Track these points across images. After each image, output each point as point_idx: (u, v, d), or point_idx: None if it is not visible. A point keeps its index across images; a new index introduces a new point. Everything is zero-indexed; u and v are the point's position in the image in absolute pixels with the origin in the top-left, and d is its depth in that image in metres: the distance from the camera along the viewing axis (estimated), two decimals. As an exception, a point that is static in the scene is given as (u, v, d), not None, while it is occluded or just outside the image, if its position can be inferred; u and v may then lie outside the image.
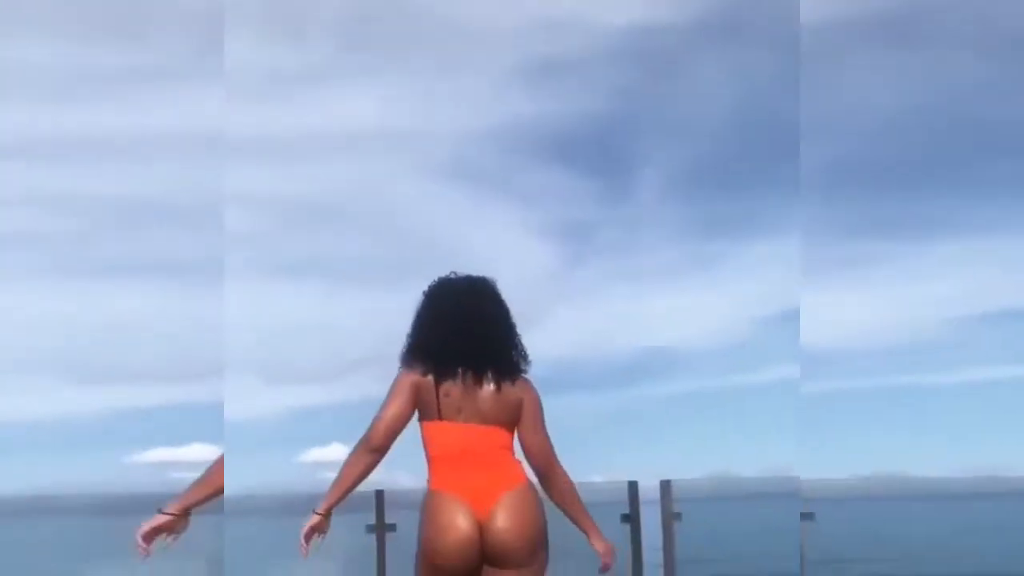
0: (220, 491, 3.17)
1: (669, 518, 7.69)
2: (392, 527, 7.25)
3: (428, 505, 3.18)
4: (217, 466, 3.16)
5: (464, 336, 3.26)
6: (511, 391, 3.25)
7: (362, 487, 3.52)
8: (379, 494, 7.15)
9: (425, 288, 3.41)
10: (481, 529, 3.11)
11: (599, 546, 3.42)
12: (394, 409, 3.18)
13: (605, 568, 3.44)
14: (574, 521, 3.46)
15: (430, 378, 3.21)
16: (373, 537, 7.20)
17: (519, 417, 3.27)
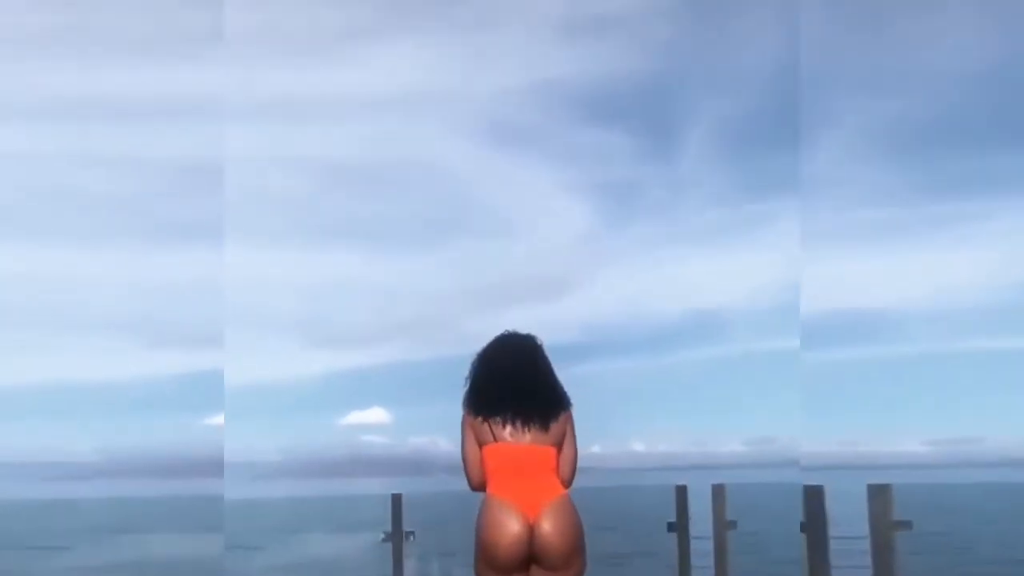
0: None
1: (722, 527, 6.78)
2: (410, 535, 6.91)
3: (485, 507, 3.80)
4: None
5: (512, 391, 3.94)
6: (557, 424, 3.95)
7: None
8: (396, 499, 6.77)
9: (482, 347, 4.07)
10: (530, 530, 3.70)
11: None
12: (470, 453, 3.95)
13: None
14: None
15: (481, 419, 3.92)
16: (390, 547, 6.75)
17: (563, 438, 3.99)
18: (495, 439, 3.90)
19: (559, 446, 3.96)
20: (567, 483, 3.94)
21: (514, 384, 3.96)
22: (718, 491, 6.90)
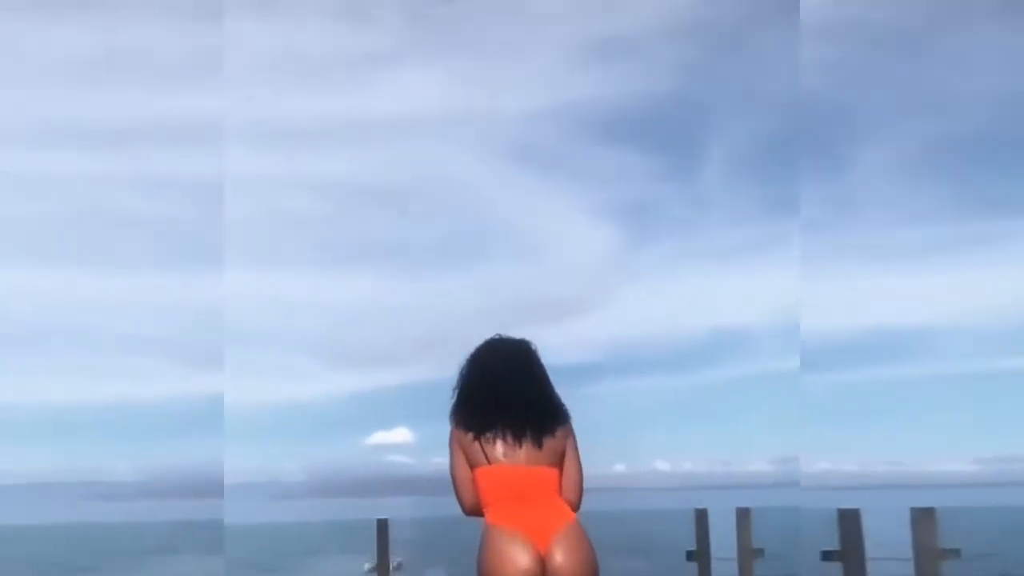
0: None
1: (748, 555, 6.03)
2: (398, 564, 6.21)
3: (488, 539, 3.30)
4: None
5: (504, 401, 3.50)
6: (553, 440, 3.50)
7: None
8: (381, 524, 5.78)
9: (471, 352, 3.65)
10: (541, 564, 3.23)
11: None
12: (460, 473, 3.50)
13: None
14: None
15: (471, 436, 3.46)
16: (375, 578, 6.03)
17: (563, 456, 3.53)
18: (488, 459, 3.44)
19: (559, 465, 3.50)
20: (574, 507, 3.49)
21: (508, 393, 3.52)
22: (743, 516, 6.16)
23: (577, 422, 3.59)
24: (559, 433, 3.51)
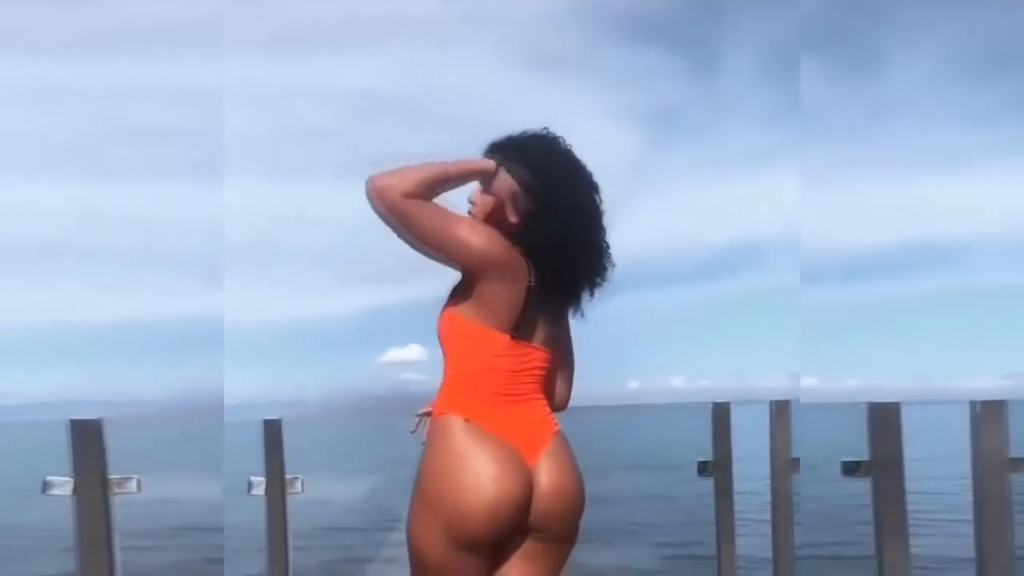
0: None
1: (784, 467, 4.36)
2: (296, 482, 4.67)
3: (467, 445, 2.37)
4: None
5: (585, 239, 2.50)
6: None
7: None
8: (270, 428, 4.28)
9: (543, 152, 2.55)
10: (531, 487, 2.42)
11: None
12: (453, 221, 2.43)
13: None
14: None
15: (529, 277, 2.45)
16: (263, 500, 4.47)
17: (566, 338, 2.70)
18: (516, 330, 2.45)
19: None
20: (561, 406, 2.66)
21: (595, 240, 2.51)
22: (780, 412, 4.46)
23: (585, 340, 2.82)
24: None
